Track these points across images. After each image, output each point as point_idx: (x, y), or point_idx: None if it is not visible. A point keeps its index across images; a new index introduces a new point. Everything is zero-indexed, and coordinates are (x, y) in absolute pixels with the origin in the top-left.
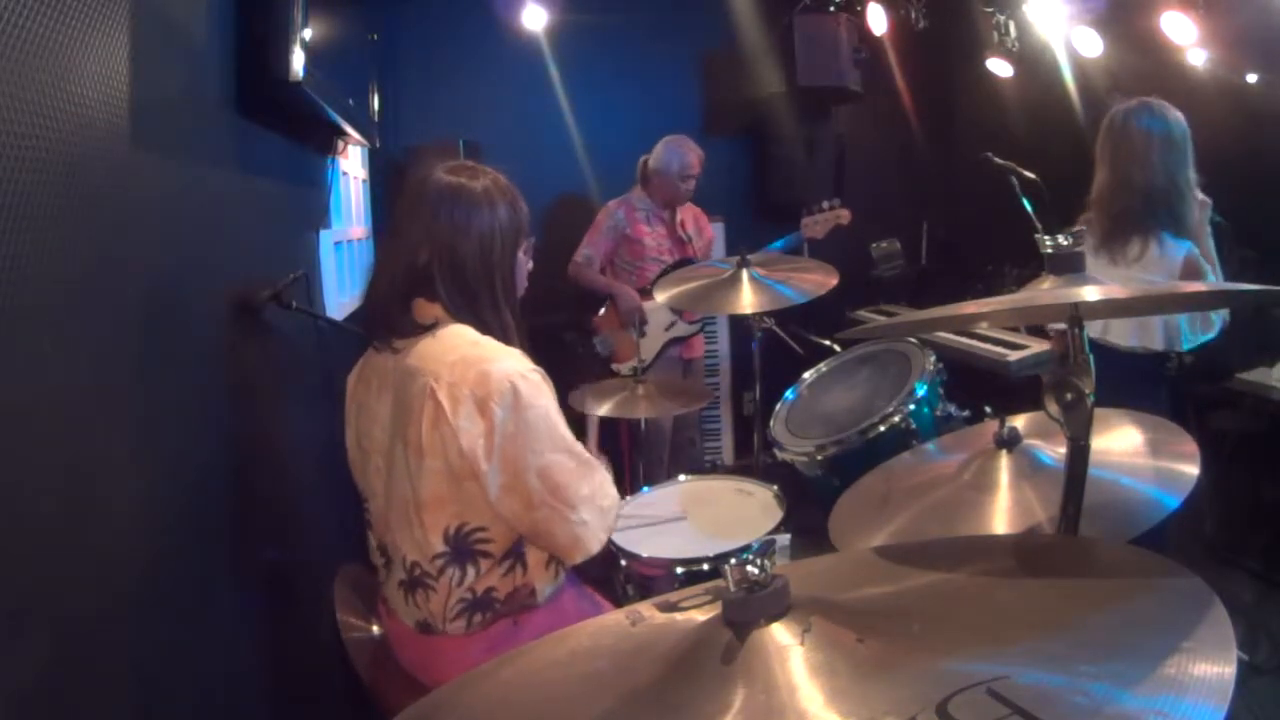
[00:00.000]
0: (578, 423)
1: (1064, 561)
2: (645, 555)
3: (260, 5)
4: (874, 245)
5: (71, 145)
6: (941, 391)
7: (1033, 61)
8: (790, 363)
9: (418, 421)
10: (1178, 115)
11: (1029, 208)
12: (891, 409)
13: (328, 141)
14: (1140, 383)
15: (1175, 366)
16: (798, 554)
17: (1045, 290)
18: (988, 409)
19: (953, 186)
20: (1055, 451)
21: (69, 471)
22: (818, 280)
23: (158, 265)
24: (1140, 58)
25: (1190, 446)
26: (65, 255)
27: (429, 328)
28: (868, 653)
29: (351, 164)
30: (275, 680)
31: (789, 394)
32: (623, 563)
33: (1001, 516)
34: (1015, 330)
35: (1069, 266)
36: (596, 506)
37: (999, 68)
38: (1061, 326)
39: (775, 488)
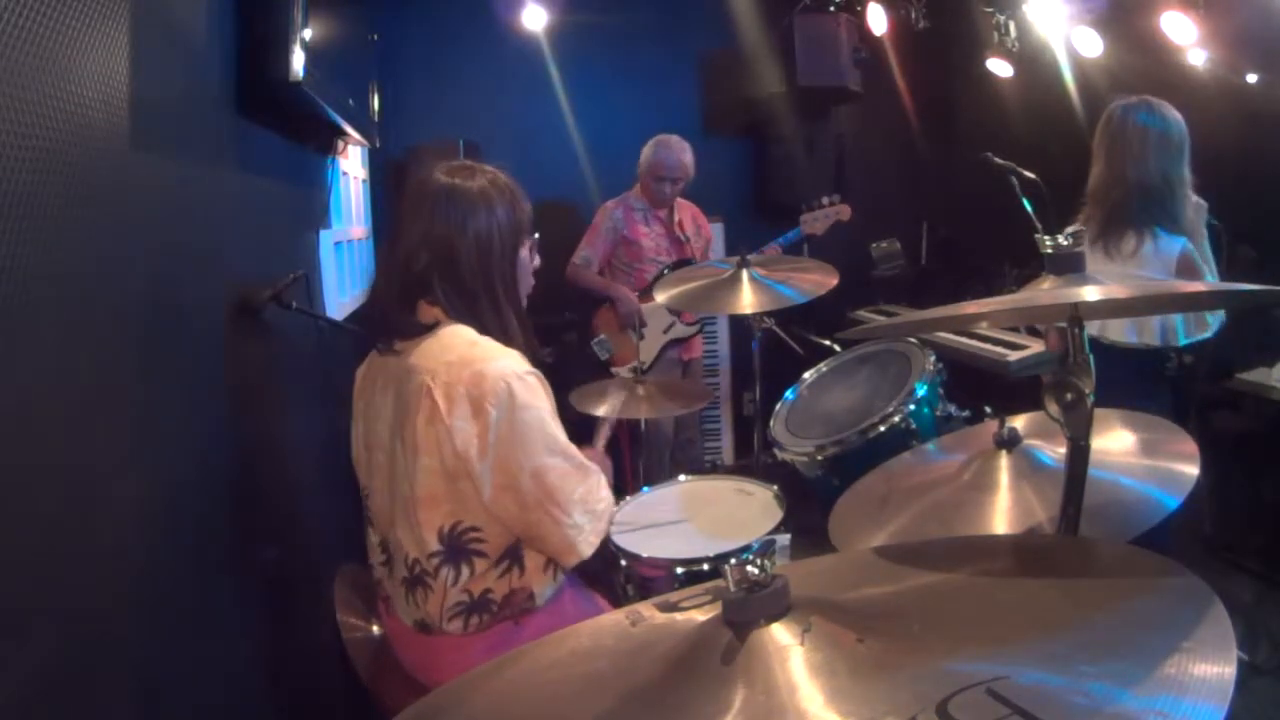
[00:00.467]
0: (587, 423)
1: (1064, 561)
2: (645, 555)
3: (260, 5)
4: (874, 245)
5: (71, 145)
6: (941, 391)
7: (1033, 61)
8: (790, 363)
9: (414, 419)
10: (1176, 115)
11: (1029, 208)
12: (891, 409)
13: (328, 141)
14: (1141, 383)
15: (1175, 366)
16: (798, 554)
17: (1045, 290)
18: (988, 409)
19: (953, 186)
20: (1055, 451)
21: (69, 471)
22: (818, 280)
23: (157, 265)
24: (1140, 58)
25: (1190, 446)
26: (65, 255)
27: (430, 328)
28: (868, 653)
29: (351, 164)
30: (275, 680)
31: (789, 394)
32: (623, 563)
33: (1001, 516)
34: (1015, 330)
35: (1069, 266)
36: (589, 510)
37: (999, 68)
38: (1059, 324)
39: (775, 488)
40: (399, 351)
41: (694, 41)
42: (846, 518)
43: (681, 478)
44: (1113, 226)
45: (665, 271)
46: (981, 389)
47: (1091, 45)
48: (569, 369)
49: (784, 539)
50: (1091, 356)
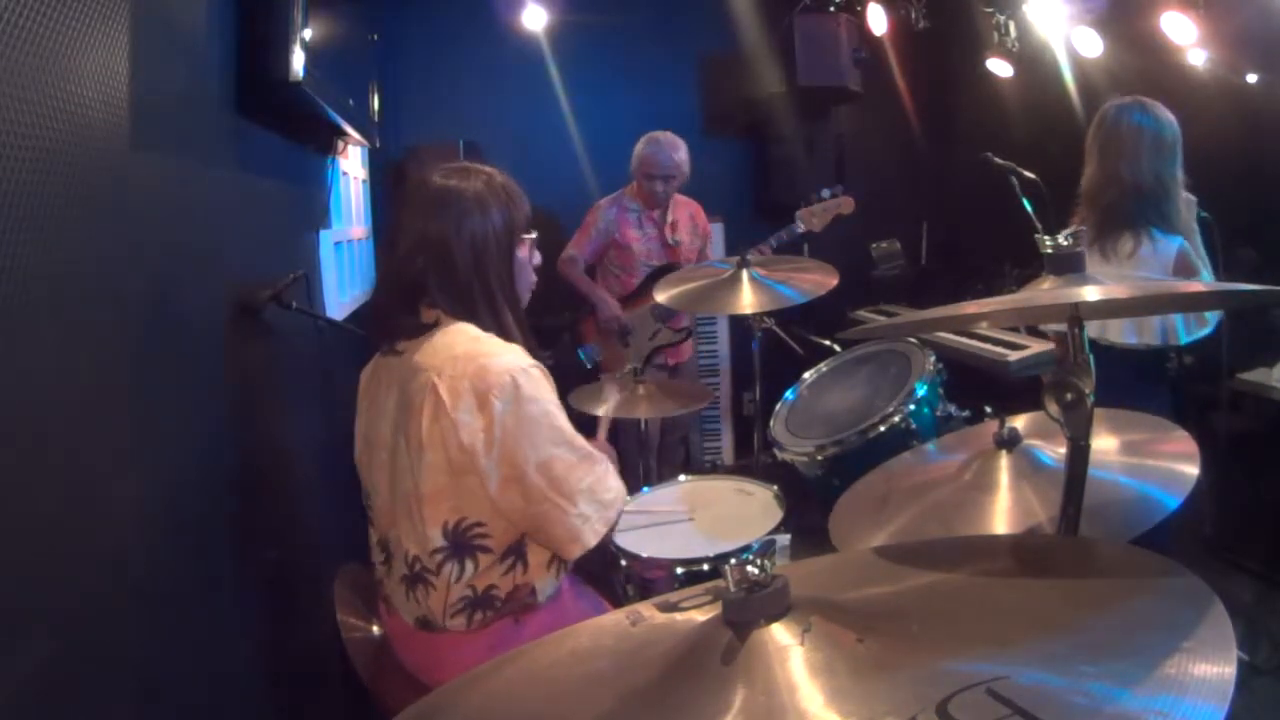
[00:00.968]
0: (589, 422)
1: (1064, 561)
2: (645, 555)
3: (260, 5)
4: (874, 245)
5: (71, 145)
6: (941, 391)
7: (1033, 61)
8: (790, 363)
9: (418, 416)
10: (1169, 115)
11: (1029, 208)
12: (891, 409)
13: (328, 141)
14: (1141, 383)
15: (1175, 366)
16: (798, 554)
17: (1045, 290)
18: (988, 409)
19: (953, 186)
20: (1055, 451)
21: (69, 471)
22: (817, 280)
23: (157, 265)
24: (1140, 58)
25: (1190, 446)
26: (65, 255)
27: (431, 327)
28: (868, 653)
29: (351, 164)
30: (275, 680)
31: (789, 394)
32: (623, 563)
33: (1001, 516)
34: (1015, 330)
35: (1069, 266)
36: (597, 500)
37: (999, 68)
38: (1060, 327)
39: (775, 488)
40: (401, 352)
41: (694, 41)
42: (846, 518)
43: (682, 478)
44: (1108, 228)
45: (647, 279)
46: (981, 389)
47: (1091, 45)
48: (557, 372)
49: (784, 539)
50: (1091, 357)
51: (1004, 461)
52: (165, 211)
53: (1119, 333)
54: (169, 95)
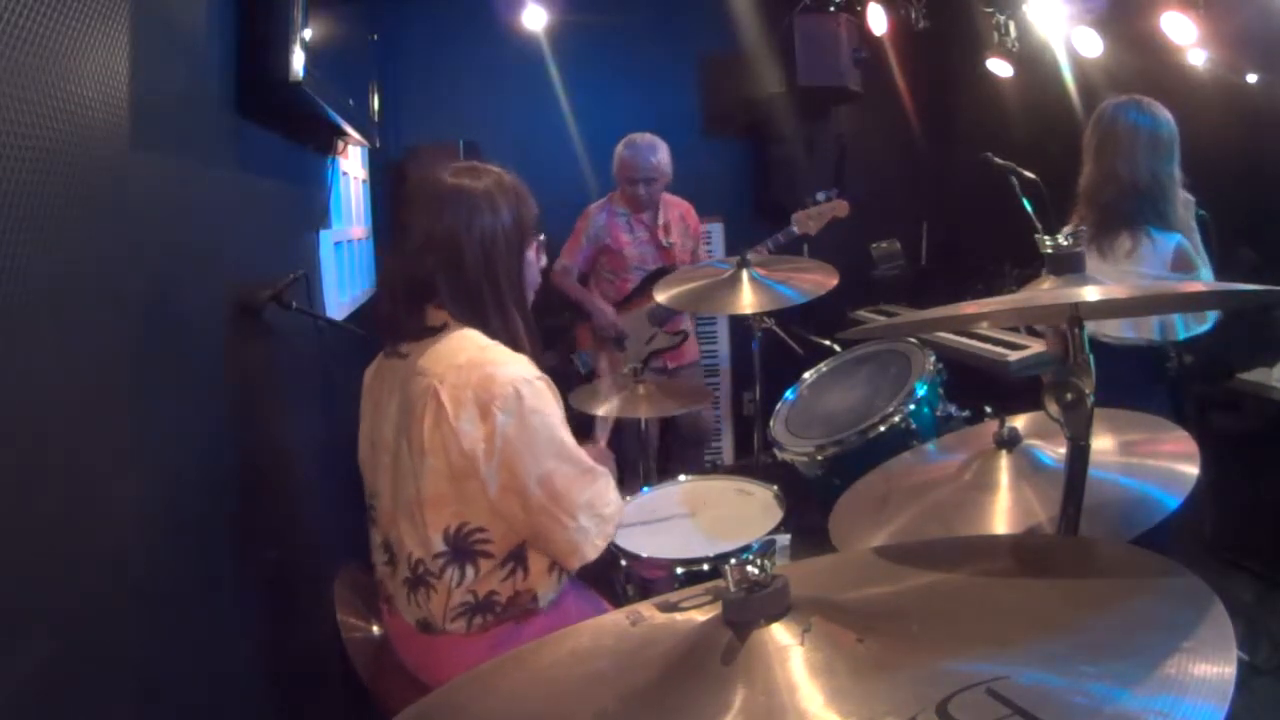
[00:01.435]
0: (588, 423)
1: (1064, 561)
2: (645, 555)
3: (260, 5)
4: (874, 245)
5: (71, 145)
6: (941, 391)
7: (1033, 61)
8: (790, 363)
9: (420, 421)
10: (1166, 114)
11: (1029, 208)
12: (891, 409)
13: (328, 141)
14: (1140, 382)
15: (1175, 366)
16: (798, 554)
17: (1045, 290)
18: (988, 409)
19: (953, 186)
20: (1055, 451)
21: (69, 471)
22: (817, 280)
23: (157, 265)
24: (1140, 58)
25: (1190, 446)
26: (65, 255)
27: (437, 330)
28: (868, 653)
29: (351, 164)
30: (275, 680)
31: (789, 394)
32: (623, 563)
33: (1001, 516)
34: (1015, 330)
35: (1069, 266)
36: (596, 514)
37: (999, 68)
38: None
39: (775, 488)
40: (405, 354)
41: (694, 42)
42: (846, 518)
43: (681, 478)
44: (1106, 226)
45: (643, 283)
46: (981, 389)
47: (1091, 45)
48: (555, 376)
49: (784, 539)
50: (1092, 357)
51: (1004, 461)
52: (165, 211)
53: (1116, 328)
54: (169, 95)
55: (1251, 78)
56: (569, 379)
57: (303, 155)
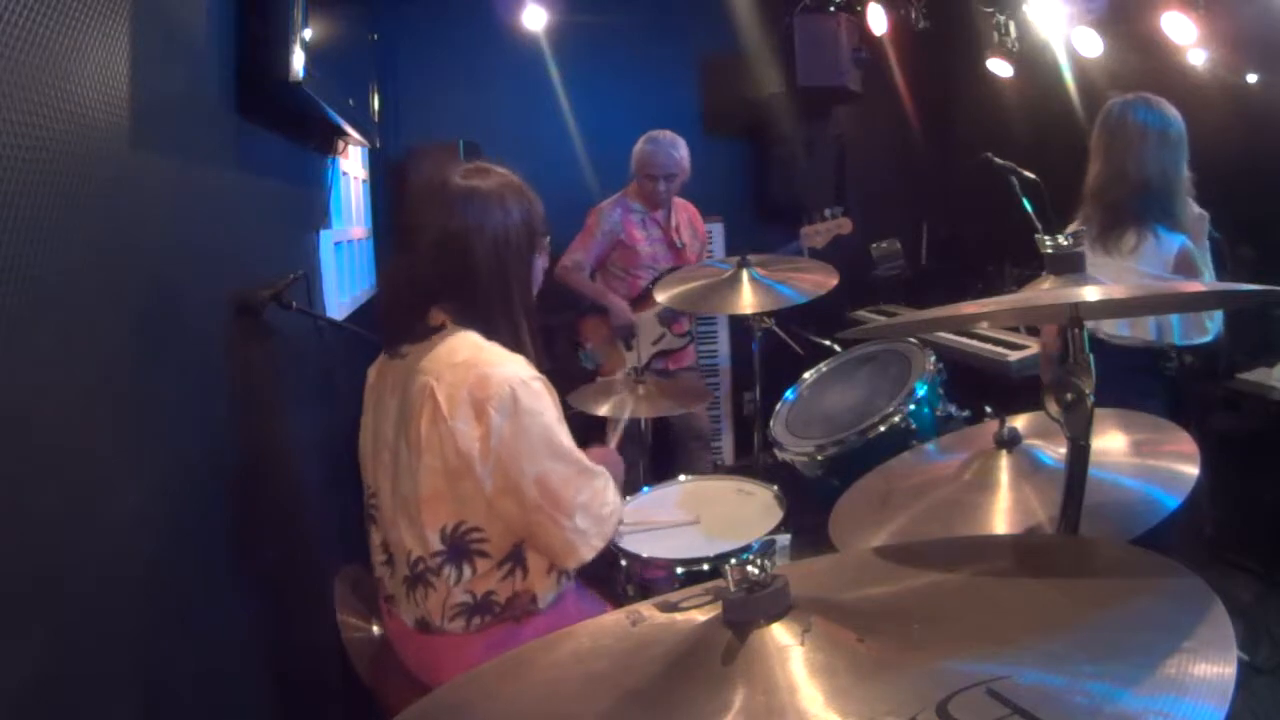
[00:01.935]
0: (597, 425)
1: (1064, 561)
2: (645, 555)
3: (260, 5)
4: (874, 245)
5: (71, 145)
6: (941, 391)
7: (1033, 61)
8: (790, 363)
9: (417, 420)
10: (1174, 112)
11: (1029, 208)
12: (891, 409)
13: (328, 141)
14: (1140, 382)
15: (1175, 366)
16: (798, 554)
17: (1045, 290)
18: (988, 409)
19: (953, 186)
20: (1055, 451)
21: (69, 471)
22: (817, 280)
23: (158, 265)
24: (1140, 58)
25: (1190, 446)
26: (65, 255)
27: (437, 330)
28: (868, 653)
29: (351, 164)
30: (275, 680)
31: (789, 394)
32: (623, 563)
33: (1001, 516)
34: (1015, 330)
35: (1069, 266)
36: (593, 515)
37: (999, 68)
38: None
39: (775, 488)
40: (405, 355)
41: (694, 42)
42: (846, 518)
43: (681, 478)
44: (1113, 225)
45: (655, 281)
46: (981, 389)
47: (1091, 45)
48: (557, 375)
49: (784, 539)
50: (1092, 357)
51: (1004, 461)
52: (165, 211)
53: (1112, 325)
54: (169, 95)
55: (1251, 78)
56: (572, 377)
57: (303, 155)
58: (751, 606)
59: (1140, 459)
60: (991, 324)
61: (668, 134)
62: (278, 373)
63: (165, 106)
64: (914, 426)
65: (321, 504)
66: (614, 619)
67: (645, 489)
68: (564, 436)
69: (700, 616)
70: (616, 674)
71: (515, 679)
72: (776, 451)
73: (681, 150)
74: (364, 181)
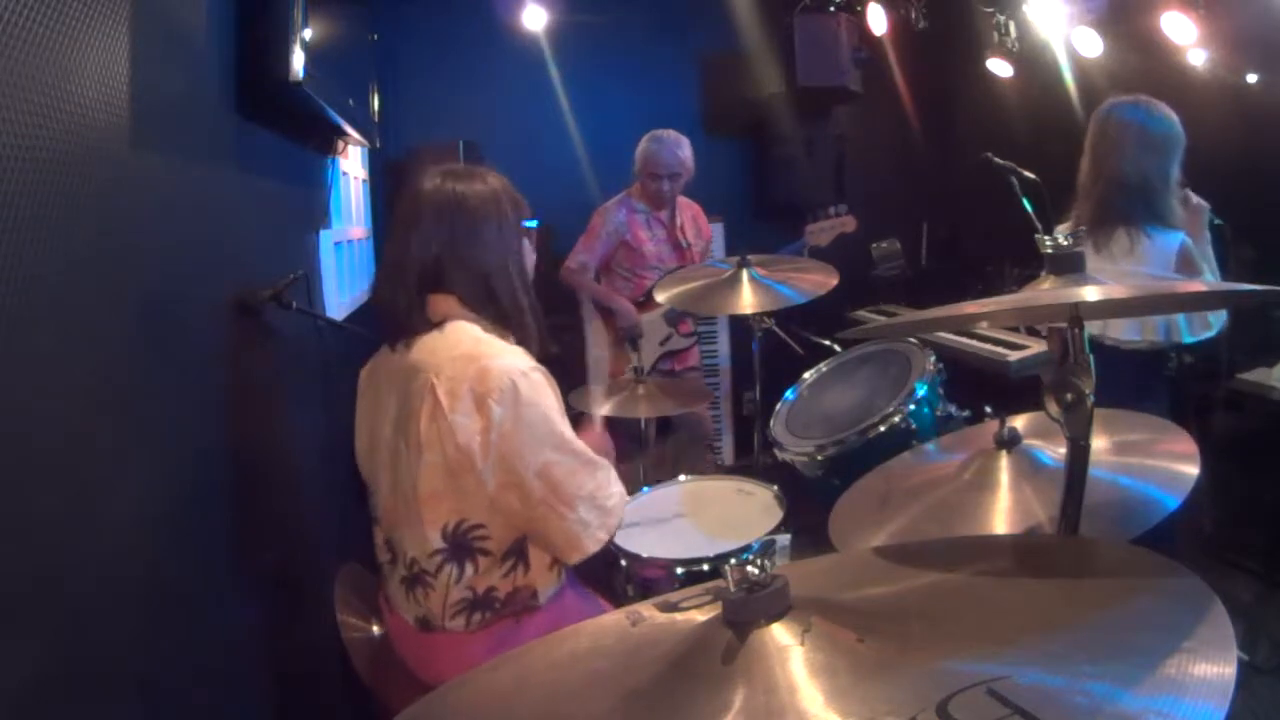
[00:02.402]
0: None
1: (1064, 561)
2: (645, 555)
3: (260, 5)
4: (874, 245)
5: (71, 145)
6: (941, 391)
7: (1033, 61)
8: (790, 363)
9: (417, 416)
10: (1166, 113)
11: (1029, 208)
12: (891, 409)
13: (328, 141)
14: (1140, 382)
15: (1175, 366)
16: (798, 554)
17: (1045, 290)
18: (988, 409)
19: (953, 186)
20: (1055, 451)
21: (69, 471)
22: (818, 280)
23: (158, 265)
24: (1140, 58)
25: (1190, 446)
26: (65, 255)
27: (437, 324)
28: (868, 653)
29: (351, 164)
30: (275, 680)
31: (789, 394)
32: (623, 563)
33: (1001, 516)
34: (1015, 330)
35: (1069, 266)
36: (597, 506)
37: (999, 68)
38: (1059, 325)
39: (775, 488)
40: (404, 348)
41: (694, 41)
42: (846, 518)
43: (681, 477)
44: (1100, 223)
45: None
46: (981, 389)
47: (1091, 45)
48: (560, 372)
49: (784, 539)
50: (1092, 356)
51: (1004, 461)
52: (165, 211)
53: (1120, 329)
54: (169, 95)
55: (1251, 78)
56: (572, 372)
57: (303, 155)
58: (751, 606)
59: (1140, 459)
60: (991, 324)
61: (671, 133)
62: (277, 373)
63: (165, 107)
64: (914, 426)
65: (321, 504)
66: (614, 619)
67: (645, 489)
68: (566, 428)
69: (700, 616)
70: (616, 674)
71: (515, 679)
72: (776, 451)
73: (685, 150)
74: (364, 181)
